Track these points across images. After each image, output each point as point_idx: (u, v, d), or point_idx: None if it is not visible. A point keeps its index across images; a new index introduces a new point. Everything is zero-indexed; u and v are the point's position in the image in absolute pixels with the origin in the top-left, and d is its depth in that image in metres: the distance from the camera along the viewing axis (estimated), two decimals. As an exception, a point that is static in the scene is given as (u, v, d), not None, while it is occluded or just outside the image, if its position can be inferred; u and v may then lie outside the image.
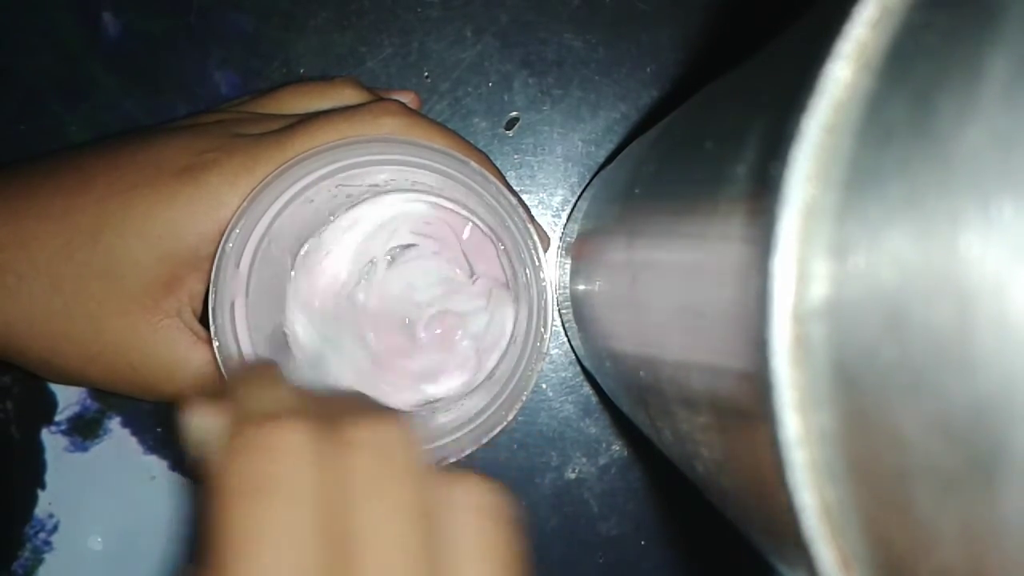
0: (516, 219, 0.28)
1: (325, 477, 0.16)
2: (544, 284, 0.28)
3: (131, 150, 0.28)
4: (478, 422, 0.28)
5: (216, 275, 0.27)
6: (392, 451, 0.17)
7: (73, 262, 0.27)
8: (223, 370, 0.27)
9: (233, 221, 0.27)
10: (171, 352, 0.28)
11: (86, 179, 0.28)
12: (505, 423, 0.28)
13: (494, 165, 0.31)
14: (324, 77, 0.34)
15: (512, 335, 0.33)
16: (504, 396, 0.28)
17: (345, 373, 0.32)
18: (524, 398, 0.28)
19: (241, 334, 0.28)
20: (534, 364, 0.28)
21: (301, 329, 0.32)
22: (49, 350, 0.28)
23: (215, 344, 0.27)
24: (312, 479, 0.16)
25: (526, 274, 0.28)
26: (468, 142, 0.30)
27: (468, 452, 0.28)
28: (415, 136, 0.28)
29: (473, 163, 0.27)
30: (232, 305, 0.28)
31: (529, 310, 0.29)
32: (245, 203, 0.27)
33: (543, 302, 0.28)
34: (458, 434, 0.28)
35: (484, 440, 0.28)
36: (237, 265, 0.27)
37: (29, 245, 0.27)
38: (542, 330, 0.28)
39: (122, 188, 0.27)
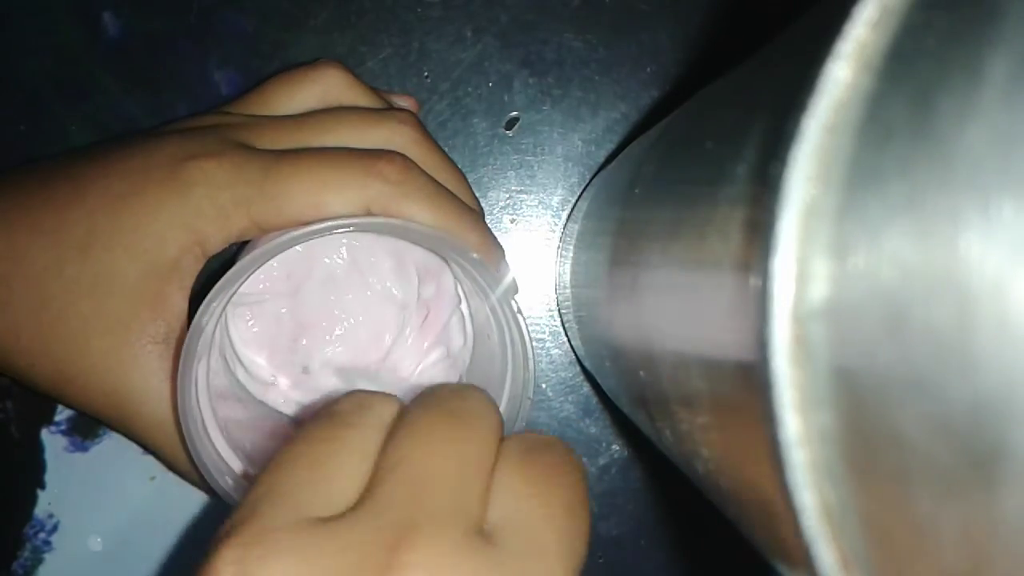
0: (515, 334, 0.27)
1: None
2: (529, 378, 0.27)
3: (121, 157, 0.28)
4: None
5: (188, 345, 0.25)
6: (457, 408, 0.19)
7: (63, 278, 0.27)
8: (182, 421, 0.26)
9: (211, 296, 0.25)
10: (145, 381, 0.27)
11: (78, 189, 0.27)
12: None
13: (483, 222, 0.30)
14: (307, 62, 0.32)
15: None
16: None
17: None
18: None
19: (202, 395, 0.27)
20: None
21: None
22: (29, 366, 0.28)
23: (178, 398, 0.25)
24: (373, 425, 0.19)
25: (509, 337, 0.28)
26: (466, 181, 0.30)
27: None
28: (416, 193, 0.27)
29: (474, 253, 0.27)
30: (198, 364, 0.26)
31: (513, 377, 0.29)
32: (222, 281, 0.25)
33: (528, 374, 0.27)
34: None
35: None
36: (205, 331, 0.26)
37: (21, 259, 0.27)
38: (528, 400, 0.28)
39: (111, 199, 0.27)
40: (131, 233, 0.27)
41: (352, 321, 0.30)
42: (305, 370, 0.31)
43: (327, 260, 0.30)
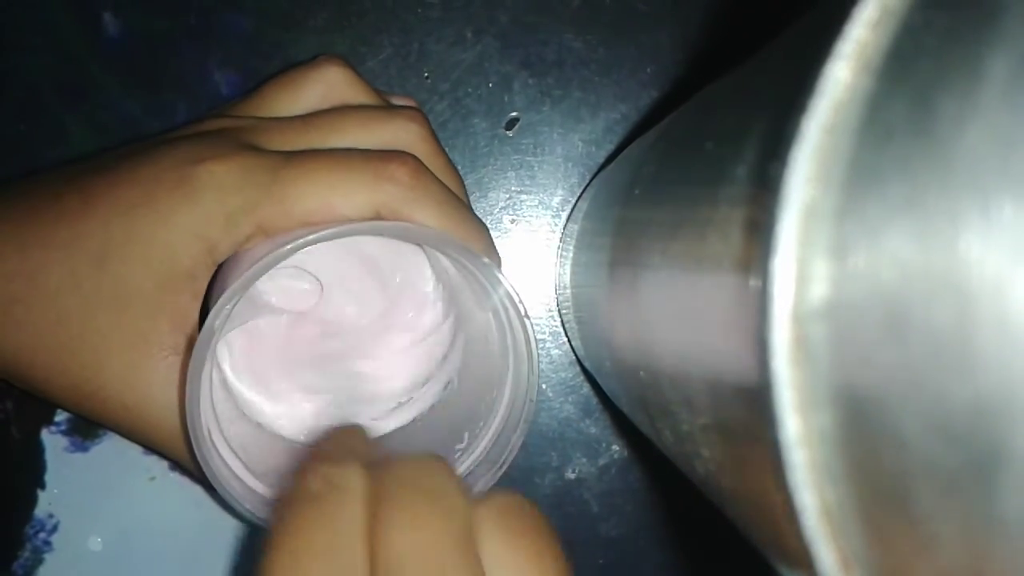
0: (516, 320, 0.27)
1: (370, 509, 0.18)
2: (535, 379, 0.28)
3: (130, 165, 0.27)
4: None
5: (199, 347, 0.24)
6: (430, 486, 0.19)
7: (80, 293, 0.26)
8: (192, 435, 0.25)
9: (224, 298, 0.24)
10: (165, 394, 0.27)
11: (89, 201, 0.27)
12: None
13: (488, 235, 0.29)
14: (307, 61, 0.32)
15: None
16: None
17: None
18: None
19: (207, 401, 0.27)
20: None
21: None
22: (46, 382, 0.27)
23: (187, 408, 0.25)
24: (359, 508, 0.18)
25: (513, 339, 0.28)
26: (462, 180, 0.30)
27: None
28: (426, 209, 0.27)
29: (484, 258, 0.27)
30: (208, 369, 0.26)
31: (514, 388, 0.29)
32: (236, 284, 0.24)
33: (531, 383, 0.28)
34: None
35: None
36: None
37: (36, 276, 0.26)
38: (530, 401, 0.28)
39: (123, 209, 0.26)
40: (145, 244, 0.26)
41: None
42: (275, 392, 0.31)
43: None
